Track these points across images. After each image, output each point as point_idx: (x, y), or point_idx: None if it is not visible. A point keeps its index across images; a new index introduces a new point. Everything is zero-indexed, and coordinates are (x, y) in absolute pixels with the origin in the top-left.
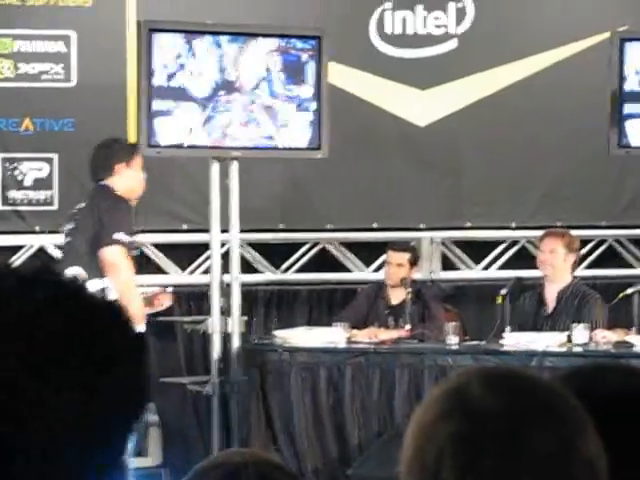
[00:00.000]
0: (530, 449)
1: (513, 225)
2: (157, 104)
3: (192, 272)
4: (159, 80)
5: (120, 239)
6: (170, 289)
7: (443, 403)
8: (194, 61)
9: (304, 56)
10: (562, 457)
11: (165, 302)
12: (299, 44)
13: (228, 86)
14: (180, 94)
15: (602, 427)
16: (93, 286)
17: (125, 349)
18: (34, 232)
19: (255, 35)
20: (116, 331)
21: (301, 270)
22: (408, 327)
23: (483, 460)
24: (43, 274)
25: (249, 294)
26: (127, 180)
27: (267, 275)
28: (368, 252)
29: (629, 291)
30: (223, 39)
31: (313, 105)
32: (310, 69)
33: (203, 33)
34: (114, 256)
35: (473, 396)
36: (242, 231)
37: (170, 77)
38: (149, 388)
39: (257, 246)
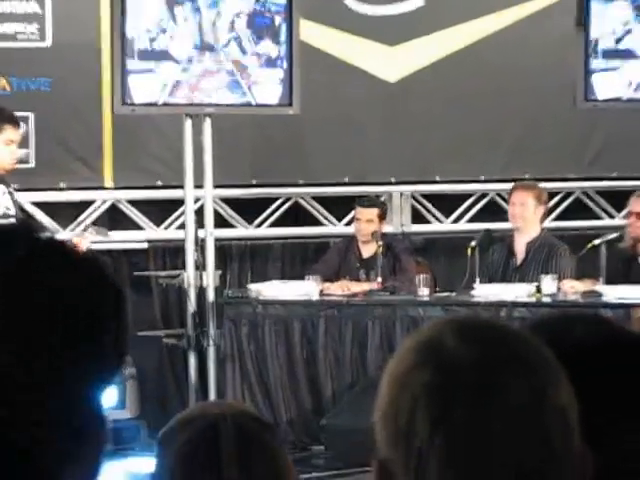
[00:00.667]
0: (502, 398)
1: (482, 178)
2: (137, 64)
3: (167, 227)
4: (142, 43)
5: None
6: (90, 230)
7: (417, 354)
8: (175, 26)
9: (277, 18)
10: (534, 406)
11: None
12: (273, 7)
13: (203, 47)
14: (161, 55)
15: (571, 376)
16: None
17: (109, 302)
18: None
19: None
20: (100, 284)
21: (274, 225)
22: (379, 280)
23: (455, 410)
24: (22, 229)
25: (223, 249)
26: None
27: (240, 230)
28: (340, 206)
29: (596, 242)
30: (202, 4)
31: (284, 63)
32: (282, 28)
33: None
34: None
35: (446, 347)
36: (215, 187)
37: (152, 40)
38: (128, 339)
39: (230, 202)
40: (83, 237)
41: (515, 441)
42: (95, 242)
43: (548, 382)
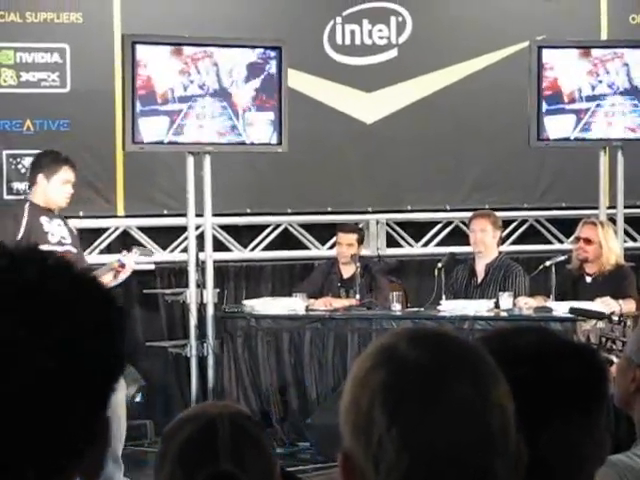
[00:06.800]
0: (449, 396)
1: (448, 208)
2: (146, 107)
3: (172, 251)
4: (145, 88)
5: None
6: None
7: (375, 357)
8: (180, 72)
9: (268, 65)
10: (477, 403)
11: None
12: (266, 58)
13: (205, 92)
14: (168, 99)
15: (515, 378)
16: None
17: (110, 317)
18: None
19: (225, 46)
20: (100, 304)
21: (266, 248)
22: (358, 297)
23: (408, 404)
24: (33, 253)
25: (221, 269)
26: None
27: (236, 253)
28: (323, 232)
29: (547, 263)
30: (201, 50)
31: (275, 106)
32: (273, 76)
33: (179, 45)
34: None
35: (399, 351)
36: (214, 215)
37: (157, 84)
38: (125, 351)
39: (227, 228)
40: (129, 257)
41: (461, 432)
42: (140, 263)
43: (488, 382)
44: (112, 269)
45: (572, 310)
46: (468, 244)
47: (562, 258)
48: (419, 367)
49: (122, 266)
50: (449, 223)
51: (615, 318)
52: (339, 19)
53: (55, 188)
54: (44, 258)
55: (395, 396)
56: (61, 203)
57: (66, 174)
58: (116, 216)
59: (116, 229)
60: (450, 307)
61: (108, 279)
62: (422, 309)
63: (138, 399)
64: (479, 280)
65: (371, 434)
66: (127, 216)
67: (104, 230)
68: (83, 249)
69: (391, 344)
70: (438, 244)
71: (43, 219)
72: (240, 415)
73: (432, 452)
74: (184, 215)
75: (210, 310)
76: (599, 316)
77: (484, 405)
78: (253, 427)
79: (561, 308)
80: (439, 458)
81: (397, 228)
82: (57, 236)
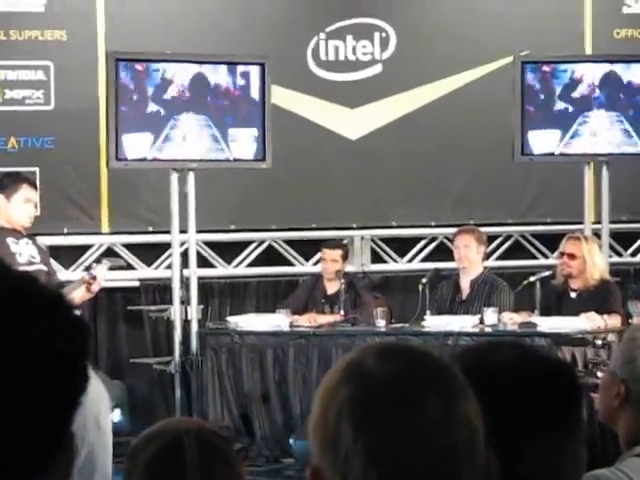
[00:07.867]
0: (415, 411)
1: (432, 224)
2: (130, 125)
3: (156, 268)
4: (129, 104)
5: None
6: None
7: (342, 372)
8: (163, 89)
9: (252, 82)
10: (444, 416)
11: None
12: (249, 75)
13: (186, 106)
14: (151, 117)
15: (493, 393)
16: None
17: (71, 334)
18: None
19: (208, 63)
20: (64, 319)
21: (250, 265)
22: (342, 313)
23: (374, 418)
24: None
25: (205, 286)
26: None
27: (220, 270)
28: (308, 248)
29: (532, 279)
30: (184, 67)
31: (259, 122)
32: (256, 93)
33: (163, 61)
34: None
35: (366, 366)
36: (198, 232)
37: (139, 101)
38: (88, 365)
39: (212, 245)
40: (99, 269)
41: (427, 447)
42: (113, 269)
43: (456, 397)
44: (84, 282)
45: (555, 340)
46: (453, 260)
47: (547, 273)
48: (385, 382)
49: (93, 278)
50: (434, 239)
51: (599, 342)
52: (323, 35)
53: (16, 208)
54: (10, 274)
55: (361, 410)
56: (24, 222)
57: (26, 192)
58: (100, 233)
59: (100, 246)
60: (434, 323)
61: (80, 293)
62: (406, 325)
63: (116, 417)
64: (464, 296)
65: (338, 448)
66: (111, 233)
67: (88, 247)
68: (68, 266)
69: (358, 359)
70: (423, 260)
71: (10, 240)
72: (206, 430)
73: (398, 466)
74: (168, 232)
75: (194, 326)
76: (583, 343)
77: (451, 420)
78: (221, 443)
79: (546, 324)
80: (405, 472)
81: (382, 244)
82: (26, 256)
